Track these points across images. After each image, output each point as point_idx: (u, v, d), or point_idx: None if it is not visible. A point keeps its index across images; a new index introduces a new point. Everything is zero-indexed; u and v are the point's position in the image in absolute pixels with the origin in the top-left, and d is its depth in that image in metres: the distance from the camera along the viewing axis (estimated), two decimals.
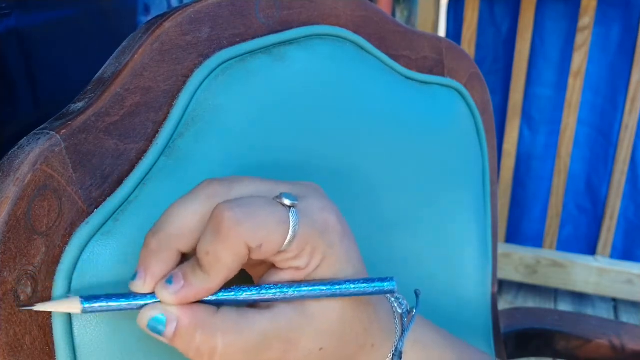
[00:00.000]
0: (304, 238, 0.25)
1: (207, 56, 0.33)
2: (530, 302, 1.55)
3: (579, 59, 1.32)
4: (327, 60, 0.39)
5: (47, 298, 0.26)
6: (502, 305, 1.51)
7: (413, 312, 0.31)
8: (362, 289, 0.26)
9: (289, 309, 0.26)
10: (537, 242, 1.53)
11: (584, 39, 1.30)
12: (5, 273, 0.24)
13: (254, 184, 0.26)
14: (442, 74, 0.49)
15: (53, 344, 0.26)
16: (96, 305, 0.24)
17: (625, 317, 1.48)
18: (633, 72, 1.30)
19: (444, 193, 0.47)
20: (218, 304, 0.25)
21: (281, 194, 0.25)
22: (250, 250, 0.24)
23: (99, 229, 0.27)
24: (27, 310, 0.25)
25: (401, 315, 0.31)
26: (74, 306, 0.24)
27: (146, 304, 0.24)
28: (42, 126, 0.27)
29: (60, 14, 0.55)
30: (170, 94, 0.31)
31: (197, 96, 0.32)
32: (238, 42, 0.34)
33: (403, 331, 0.30)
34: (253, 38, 0.35)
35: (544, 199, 1.49)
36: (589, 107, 1.39)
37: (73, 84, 0.54)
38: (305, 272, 0.26)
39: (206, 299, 0.25)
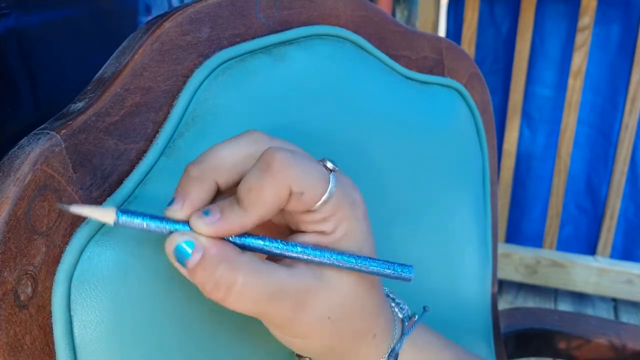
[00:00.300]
0: (337, 202, 0.26)
1: (207, 56, 0.33)
2: (530, 302, 1.55)
3: (579, 59, 1.32)
4: (327, 60, 0.39)
5: (47, 298, 0.26)
6: (502, 305, 1.51)
7: (415, 317, 0.32)
8: (382, 269, 0.27)
9: (308, 271, 0.26)
10: (537, 242, 1.53)
11: (584, 39, 1.30)
12: (6, 273, 0.24)
13: (293, 144, 0.27)
14: (442, 74, 0.49)
15: (53, 344, 0.26)
16: (129, 220, 0.24)
17: (625, 317, 1.48)
18: (633, 72, 1.30)
19: (444, 193, 0.47)
20: (244, 250, 0.25)
21: (324, 158, 0.27)
22: (291, 194, 0.25)
23: (99, 229, 0.27)
24: (63, 210, 0.25)
25: (402, 320, 0.31)
26: (108, 215, 0.24)
27: (177, 230, 0.24)
28: (42, 126, 0.27)
29: (60, 14, 0.55)
30: (170, 94, 0.31)
31: (197, 96, 0.32)
32: (238, 42, 0.35)
33: (402, 334, 0.31)
34: (253, 38, 0.35)
35: (544, 199, 1.49)
36: (589, 107, 1.39)
37: (73, 84, 0.54)
38: (329, 239, 0.27)
39: (235, 241, 0.25)
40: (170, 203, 0.25)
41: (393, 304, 0.32)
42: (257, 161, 0.25)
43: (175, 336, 0.29)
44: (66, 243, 0.26)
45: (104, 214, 0.24)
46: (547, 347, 0.58)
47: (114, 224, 0.24)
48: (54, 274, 0.26)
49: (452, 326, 0.49)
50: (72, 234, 0.27)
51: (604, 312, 1.50)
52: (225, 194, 0.26)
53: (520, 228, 1.54)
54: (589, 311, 1.51)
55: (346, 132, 0.39)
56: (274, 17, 0.37)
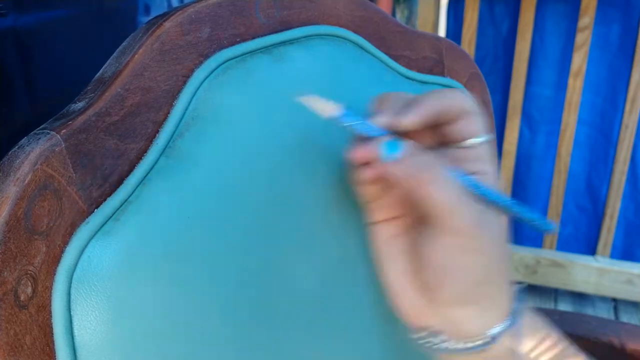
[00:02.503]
0: (490, 151, 0.31)
1: (207, 56, 0.33)
2: (530, 302, 1.55)
3: (579, 59, 1.32)
4: (327, 60, 0.39)
5: (47, 298, 0.26)
6: None
7: (524, 306, 0.33)
8: (529, 217, 0.31)
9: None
10: (537, 242, 1.53)
11: (584, 39, 1.30)
12: (6, 273, 0.24)
13: None
14: (443, 74, 0.49)
15: (53, 344, 0.26)
16: (350, 118, 0.30)
17: (625, 317, 1.48)
18: (633, 72, 1.30)
19: None
20: None
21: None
22: (464, 112, 0.30)
23: (99, 229, 0.27)
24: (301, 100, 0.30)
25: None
26: (335, 109, 0.30)
27: (381, 136, 0.29)
28: (42, 126, 0.27)
29: (59, 14, 0.55)
30: (170, 94, 0.31)
31: (198, 96, 0.32)
32: (238, 42, 0.34)
33: (517, 310, 0.32)
34: (253, 38, 0.35)
35: (544, 199, 1.49)
36: (589, 107, 1.39)
37: (70, 84, 0.54)
38: (483, 179, 0.31)
39: None
40: (375, 114, 0.30)
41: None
42: None
43: (175, 336, 0.29)
44: (66, 243, 0.26)
45: (332, 108, 0.30)
46: None
47: (336, 117, 0.30)
48: (54, 274, 0.26)
49: None
50: (72, 234, 0.27)
51: (604, 312, 1.50)
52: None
53: (520, 228, 1.54)
54: (589, 311, 1.51)
55: (345, 132, 0.39)
56: (274, 17, 0.37)
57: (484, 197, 0.30)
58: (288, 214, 0.35)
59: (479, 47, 1.42)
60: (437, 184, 0.28)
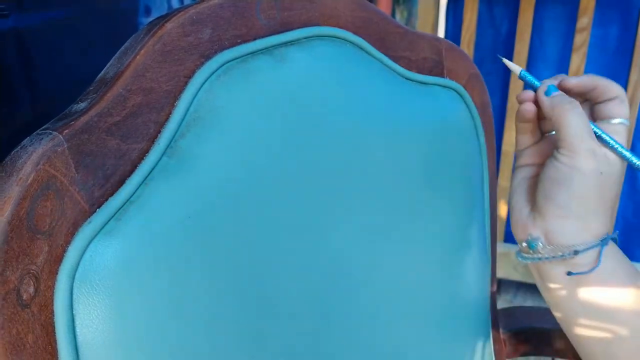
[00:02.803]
0: (626, 134, 0.41)
1: (208, 57, 0.33)
2: (529, 301, 1.55)
3: (578, 60, 1.32)
4: (328, 61, 0.39)
5: (50, 297, 0.26)
6: (501, 304, 1.50)
7: (616, 234, 0.40)
8: (634, 158, 0.40)
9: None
10: None
11: (582, 39, 1.30)
12: (8, 272, 0.24)
13: None
14: (442, 75, 0.49)
15: (55, 343, 0.26)
16: (525, 77, 0.42)
17: None
18: (631, 72, 1.30)
19: (443, 193, 0.47)
20: None
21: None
22: (617, 98, 0.40)
23: (101, 229, 0.27)
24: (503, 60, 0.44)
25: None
26: (518, 69, 0.43)
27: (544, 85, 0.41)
28: (44, 126, 0.27)
29: (60, 15, 0.56)
30: (172, 95, 0.31)
31: (199, 97, 0.32)
32: (239, 43, 0.35)
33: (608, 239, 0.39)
34: (254, 39, 0.35)
35: None
36: None
37: (72, 84, 0.54)
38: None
39: None
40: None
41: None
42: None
43: (178, 335, 0.29)
44: (68, 242, 0.27)
45: (516, 67, 0.43)
46: (546, 346, 0.58)
47: (519, 75, 0.43)
48: (56, 273, 0.26)
49: (452, 325, 0.49)
50: (74, 234, 0.27)
51: None
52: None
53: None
54: None
55: (346, 132, 0.39)
56: (274, 18, 0.37)
57: (606, 142, 0.39)
58: (289, 212, 0.35)
59: (478, 48, 1.42)
60: (572, 114, 0.38)
